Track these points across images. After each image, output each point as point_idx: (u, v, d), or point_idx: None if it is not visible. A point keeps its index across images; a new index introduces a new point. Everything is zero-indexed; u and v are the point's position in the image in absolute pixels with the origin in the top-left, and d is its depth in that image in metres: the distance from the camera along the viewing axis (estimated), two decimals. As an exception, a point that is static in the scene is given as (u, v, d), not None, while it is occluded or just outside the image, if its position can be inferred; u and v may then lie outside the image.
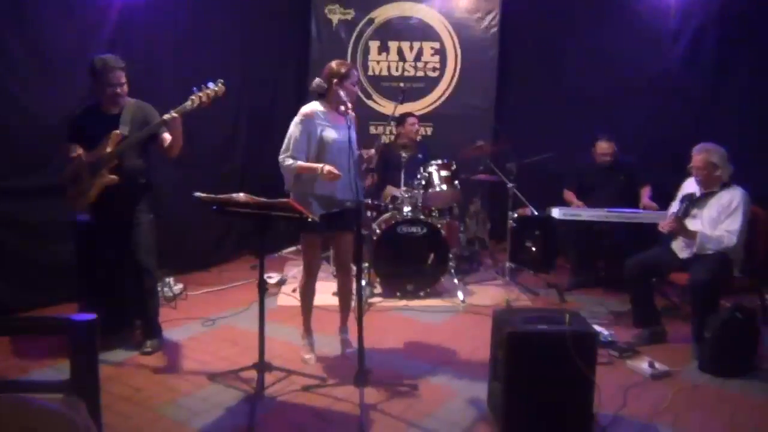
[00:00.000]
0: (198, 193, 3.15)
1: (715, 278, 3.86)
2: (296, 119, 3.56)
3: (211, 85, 3.61)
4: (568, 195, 5.54)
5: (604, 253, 5.42)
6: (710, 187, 4.10)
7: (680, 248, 4.15)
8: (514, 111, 6.66)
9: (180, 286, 4.96)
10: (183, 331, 4.22)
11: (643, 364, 3.71)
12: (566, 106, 6.31)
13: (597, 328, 3.78)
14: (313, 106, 3.58)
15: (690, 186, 4.26)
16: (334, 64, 3.60)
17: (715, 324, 3.72)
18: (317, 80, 3.58)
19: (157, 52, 5.18)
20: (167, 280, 4.83)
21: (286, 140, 3.55)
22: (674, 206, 4.32)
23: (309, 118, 3.53)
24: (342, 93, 3.47)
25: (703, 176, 4.09)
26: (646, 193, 5.34)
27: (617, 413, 3.19)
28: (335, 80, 3.53)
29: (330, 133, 3.55)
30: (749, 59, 5.63)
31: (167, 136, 3.70)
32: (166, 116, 3.59)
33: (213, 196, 3.17)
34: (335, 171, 3.44)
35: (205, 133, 5.46)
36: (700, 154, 4.08)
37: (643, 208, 5.12)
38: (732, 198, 3.99)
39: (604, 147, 5.39)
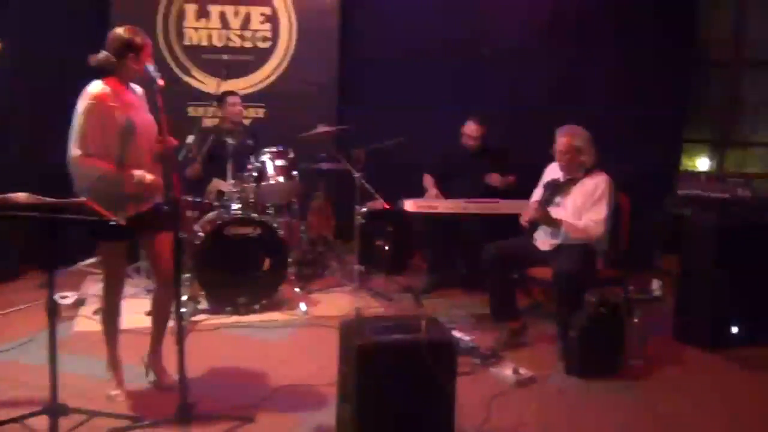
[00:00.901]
0: (-42, 195, 2.90)
1: (579, 270, 4.19)
2: (85, 105, 3.33)
3: None
4: (427, 179, 5.73)
5: (464, 249, 5.63)
6: (573, 173, 4.44)
7: (542, 241, 4.46)
8: (360, 88, 6.71)
9: (-60, 314, 4.56)
10: (-55, 372, 3.88)
11: (507, 371, 3.95)
12: (423, 81, 6.45)
13: (457, 334, 3.97)
14: (103, 86, 3.39)
15: (553, 171, 4.58)
16: (124, 32, 3.43)
17: (580, 321, 4.04)
18: (104, 53, 3.40)
19: None
20: None
21: (77, 132, 3.30)
22: (537, 194, 4.62)
23: (103, 102, 3.34)
24: (152, 69, 3.38)
25: (565, 161, 4.41)
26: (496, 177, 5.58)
27: (480, 428, 3.36)
28: (131, 54, 3.41)
29: (132, 117, 3.42)
30: (613, 24, 6.12)
31: None
32: None
33: (-21, 197, 2.93)
34: (157, 178, 3.42)
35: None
36: (564, 137, 4.40)
37: (492, 182, 5.43)
38: (596, 185, 4.34)
39: (472, 128, 5.59)
